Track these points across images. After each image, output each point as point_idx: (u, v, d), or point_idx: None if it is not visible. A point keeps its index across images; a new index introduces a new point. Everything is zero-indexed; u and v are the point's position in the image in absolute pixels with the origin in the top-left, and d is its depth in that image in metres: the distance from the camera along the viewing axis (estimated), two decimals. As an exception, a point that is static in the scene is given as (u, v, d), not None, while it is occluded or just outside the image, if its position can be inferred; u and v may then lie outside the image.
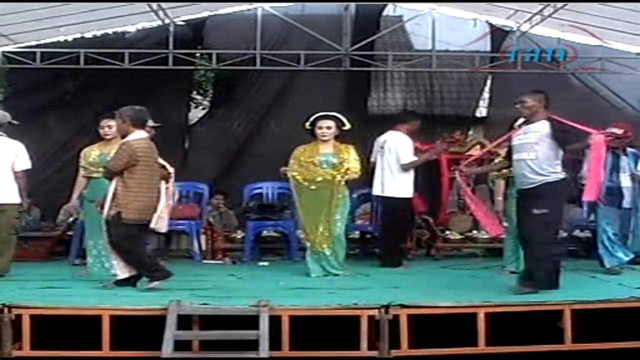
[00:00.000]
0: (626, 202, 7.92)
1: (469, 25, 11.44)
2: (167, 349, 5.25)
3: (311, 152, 7.71)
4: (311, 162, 7.67)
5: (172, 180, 8.04)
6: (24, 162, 7.48)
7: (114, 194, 6.51)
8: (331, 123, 7.69)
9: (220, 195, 10.23)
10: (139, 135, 6.61)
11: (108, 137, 7.56)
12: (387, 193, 8.32)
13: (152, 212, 6.55)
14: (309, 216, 7.59)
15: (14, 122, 7.79)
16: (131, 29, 11.32)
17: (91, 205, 7.23)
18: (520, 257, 7.75)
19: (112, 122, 7.60)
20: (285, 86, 11.48)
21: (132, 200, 6.48)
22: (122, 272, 6.64)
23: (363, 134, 9.72)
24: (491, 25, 11.51)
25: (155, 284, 6.49)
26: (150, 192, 6.57)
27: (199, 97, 14.12)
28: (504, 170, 7.84)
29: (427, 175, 11.32)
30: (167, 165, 8.04)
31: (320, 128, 7.69)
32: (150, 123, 8.38)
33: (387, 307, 5.60)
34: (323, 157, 7.65)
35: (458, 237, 9.80)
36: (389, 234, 8.48)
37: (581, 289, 6.54)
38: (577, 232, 9.43)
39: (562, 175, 6.44)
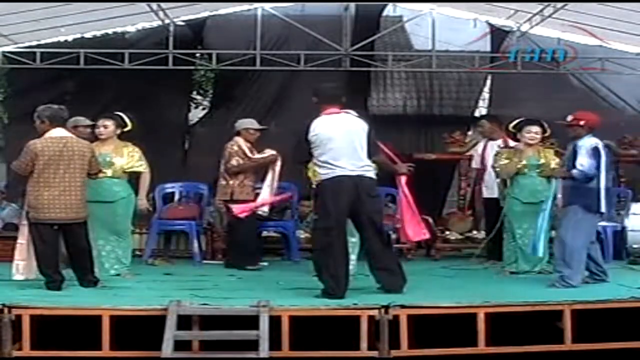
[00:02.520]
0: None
1: (469, 25, 11.43)
2: (167, 349, 5.25)
3: None
4: None
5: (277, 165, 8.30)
6: None
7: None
8: None
9: None
10: (51, 134, 6.61)
11: (102, 136, 7.56)
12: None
13: (62, 211, 6.52)
14: None
15: None
16: (131, 29, 11.31)
17: (89, 205, 7.22)
18: (519, 257, 7.76)
19: (108, 122, 7.62)
20: (285, 86, 11.48)
21: (32, 198, 6.54)
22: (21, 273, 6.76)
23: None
24: (491, 25, 11.51)
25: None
26: (54, 190, 6.51)
27: (199, 97, 14.12)
28: (503, 171, 7.86)
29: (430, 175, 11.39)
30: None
31: None
32: (256, 125, 8.50)
33: (387, 308, 5.61)
34: None
35: (458, 237, 9.79)
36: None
37: (581, 289, 6.54)
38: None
39: (325, 177, 6.23)
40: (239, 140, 8.50)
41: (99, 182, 7.16)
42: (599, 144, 6.91)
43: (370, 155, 6.31)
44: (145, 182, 7.73)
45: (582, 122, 6.94)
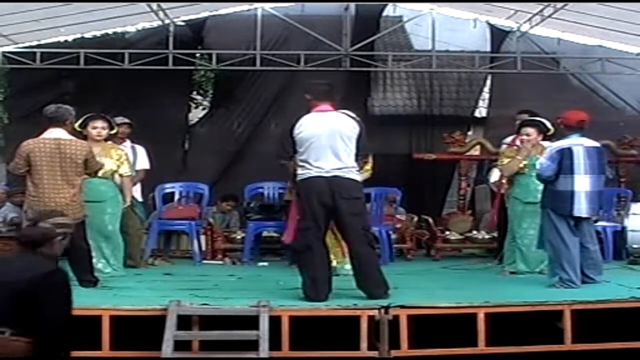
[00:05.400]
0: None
1: (469, 25, 11.45)
2: (167, 349, 5.25)
3: None
4: None
5: None
6: None
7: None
8: None
9: (233, 201, 10.14)
10: (46, 135, 6.59)
11: (99, 138, 7.54)
12: None
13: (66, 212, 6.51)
14: None
15: None
16: (131, 29, 11.33)
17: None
18: (517, 258, 7.75)
19: (105, 124, 7.60)
20: (285, 86, 11.49)
21: (31, 199, 6.54)
22: None
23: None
24: (491, 26, 11.52)
25: None
26: (51, 190, 6.50)
27: (199, 97, 14.13)
28: (505, 169, 7.87)
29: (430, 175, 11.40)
30: None
31: None
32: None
33: (387, 308, 5.61)
34: None
35: (458, 237, 9.79)
36: None
37: (581, 289, 6.54)
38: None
39: (301, 177, 6.14)
40: None
41: (87, 183, 7.14)
42: (573, 146, 6.69)
43: (357, 157, 6.12)
44: (127, 185, 7.76)
45: (559, 121, 6.89)
